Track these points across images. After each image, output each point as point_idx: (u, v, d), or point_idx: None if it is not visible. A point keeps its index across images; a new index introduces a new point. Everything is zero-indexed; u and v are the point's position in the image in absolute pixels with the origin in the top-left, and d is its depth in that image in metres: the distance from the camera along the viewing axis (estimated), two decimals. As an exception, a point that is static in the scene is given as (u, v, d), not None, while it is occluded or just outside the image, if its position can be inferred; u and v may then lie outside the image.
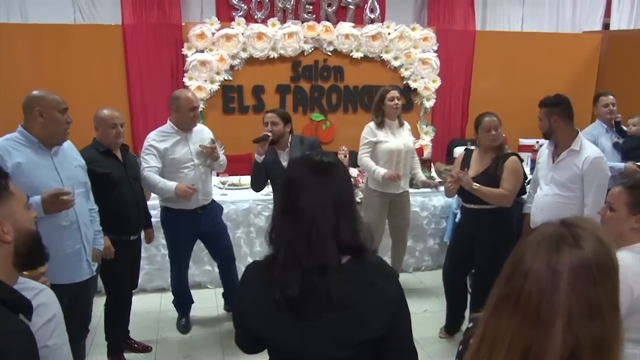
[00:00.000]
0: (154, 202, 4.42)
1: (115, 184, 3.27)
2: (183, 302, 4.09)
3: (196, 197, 3.66)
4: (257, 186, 3.82)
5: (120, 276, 3.41)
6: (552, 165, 3.40)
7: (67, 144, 2.94)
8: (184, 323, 4.04)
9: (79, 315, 2.84)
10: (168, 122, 3.72)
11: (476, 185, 3.47)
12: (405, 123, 4.46)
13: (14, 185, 1.37)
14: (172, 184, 3.51)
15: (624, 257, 1.81)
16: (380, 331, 1.41)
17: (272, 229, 1.48)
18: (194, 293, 4.55)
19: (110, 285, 3.45)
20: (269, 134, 3.64)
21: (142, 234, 3.70)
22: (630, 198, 2.03)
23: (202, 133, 3.82)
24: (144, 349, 3.76)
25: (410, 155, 4.37)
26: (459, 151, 5.56)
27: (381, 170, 4.16)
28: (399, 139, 4.30)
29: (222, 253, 4.07)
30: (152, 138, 3.66)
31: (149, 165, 3.58)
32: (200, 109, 5.68)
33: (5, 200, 1.31)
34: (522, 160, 3.65)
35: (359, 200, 4.45)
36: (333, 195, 1.43)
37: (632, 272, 1.86)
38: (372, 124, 4.33)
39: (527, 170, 5.47)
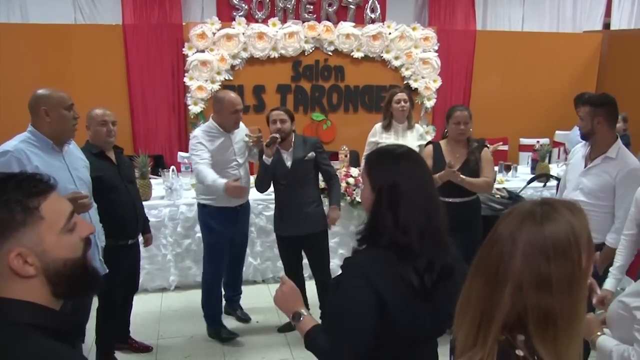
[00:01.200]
0: (153, 203, 4.44)
1: (110, 187, 3.18)
2: (216, 311, 4.00)
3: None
4: (262, 187, 3.80)
5: (115, 284, 3.23)
6: (583, 169, 3.18)
7: (73, 144, 2.92)
8: (226, 332, 3.96)
9: (80, 317, 2.81)
10: (212, 121, 3.70)
11: (466, 177, 3.57)
12: (417, 126, 4.46)
13: (55, 203, 1.12)
14: (221, 181, 3.46)
15: None
16: None
17: (383, 221, 1.52)
18: (195, 293, 4.55)
19: (104, 291, 3.22)
20: (277, 135, 3.62)
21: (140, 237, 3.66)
22: None
23: (243, 130, 3.82)
24: (145, 349, 3.75)
25: None
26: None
27: None
28: (402, 141, 4.30)
29: (242, 253, 4.15)
30: (201, 136, 3.63)
31: (202, 158, 3.55)
32: (201, 109, 5.75)
33: (32, 227, 1.06)
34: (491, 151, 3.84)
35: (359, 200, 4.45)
36: (430, 178, 1.62)
37: None
38: (378, 125, 4.39)
39: (527, 169, 5.49)
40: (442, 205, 1.59)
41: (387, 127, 4.32)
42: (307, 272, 4.06)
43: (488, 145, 3.80)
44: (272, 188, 3.85)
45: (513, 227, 1.08)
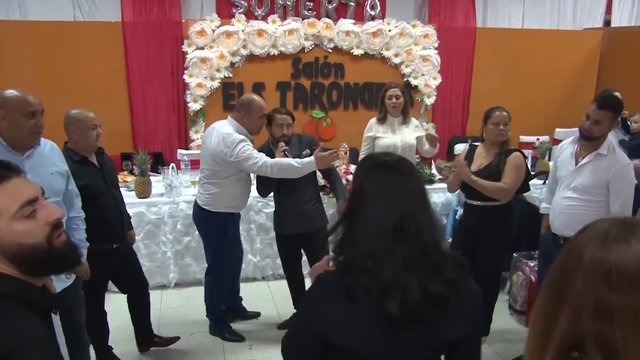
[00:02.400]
0: (153, 200, 4.44)
1: (96, 194, 3.08)
2: (221, 311, 3.98)
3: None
4: (266, 192, 3.77)
5: (97, 287, 3.18)
6: (574, 167, 3.20)
7: (50, 147, 2.75)
8: (233, 333, 3.94)
9: (68, 326, 2.75)
10: (237, 124, 3.58)
11: (474, 177, 3.42)
12: (413, 120, 4.45)
13: (10, 189, 1.20)
14: (309, 159, 3.47)
15: None
16: (465, 331, 1.40)
17: (352, 239, 1.40)
18: (194, 290, 4.57)
19: (90, 296, 3.10)
20: (286, 147, 3.61)
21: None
22: None
23: None
24: (171, 340, 3.73)
25: (407, 151, 4.31)
26: (459, 148, 5.54)
27: None
28: (398, 135, 4.30)
29: (240, 253, 4.11)
30: (242, 139, 3.49)
31: (258, 155, 3.47)
32: (200, 106, 5.74)
33: None
34: (525, 157, 3.62)
35: None
36: (419, 192, 1.42)
37: None
38: (373, 120, 4.39)
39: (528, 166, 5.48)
40: (436, 223, 1.42)
41: (382, 120, 4.31)
42: (305, 269, 4.06)
43: (522, 152, 3.60)
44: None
45: (582, 244, 0.97)
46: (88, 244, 2.92)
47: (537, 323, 1.01)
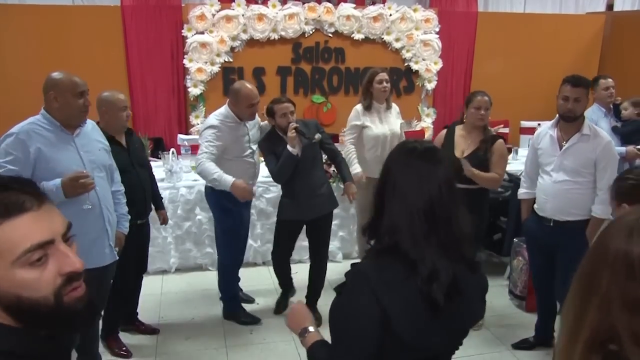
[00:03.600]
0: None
1: (120, 171, 3.20)
2: (235, 294, 4.03)
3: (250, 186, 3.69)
4: (283, 177, 3.69)
5: (127, 259, 3.33)
6: (559, 151, 3.25)
7: (92, 126, 2.92)
8: (249, 316, 3.98)
9: (96, 300, 2.81)
10: (228, 109, 3.63)
11: (475, 171, 3.49)
12: (394, 105, 4.45)
13: (19, 227, 0.92)
14: (228, 179, 3.41)
15: None
16: (483, 313, 1.52)
17: (390, 226, 1.41)
18: (195, 275, 4.60)
19: (117, 268, 3.35)
20: (297, 124, 3.59)
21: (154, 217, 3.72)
22: (615, 191, 2.14)
23: (255, 118, 3.83)
24: (151, 331, 3.78)
25: (396, 140, 4.29)
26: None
27: (356, 168, 4.21)
28: (385, 124, 4.30)
29: (245, 240, 4.12)
30: (219, 127, 3.55)
31: (212, 153, 3.49)
32: (200, 91, 5.72)
33: None
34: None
35: None
36: (449, 180, 1.44)
37: None
38: (359, 107, 4.32)
39: (525, 152, 5.46)
40: (462, 213, 1.45)
41: (367, 108, 4.28)
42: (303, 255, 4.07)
43: (504, 138, 3.69)
44: (263, 172, 3.86)
45: (609, 237, 0.97)
46: (129, 217, 3.15)
47: (568, 316, 1.01)
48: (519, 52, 6.74)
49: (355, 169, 4.19)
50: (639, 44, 6.43)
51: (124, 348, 3.54)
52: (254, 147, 3.79)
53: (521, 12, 7.20)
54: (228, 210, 3.73)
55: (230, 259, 3.88)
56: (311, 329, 1.58)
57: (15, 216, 0.92)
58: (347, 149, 4.27)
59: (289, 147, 3.55)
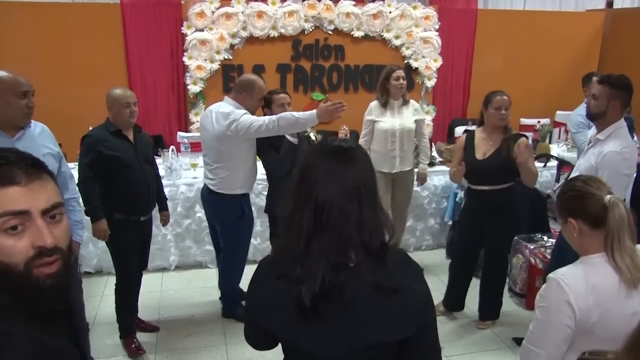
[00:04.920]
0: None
1: (124, 165, 3.23)
2: (236, 293, 3.99)
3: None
4: (284, 169, 3.66)
5: (129, 256, 3.37)
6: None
7: (41, 129, 2.82)
8: (241, 312, 3.92)
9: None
10: (236, 102, 3.58)
11: (530, 161, 3.42)
12: (412, 102, 4.46)
13: (5, 196, 1.02)
14: (311, 112, 3.32)
15: (572, 274, 1.74)
16: (404, 334, 1.32)
17: (286, 222, 1.36)
18: (195, 272, 4.60)
19: (120, 265, 3.43)
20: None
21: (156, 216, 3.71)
22: (557, 210, 1.91)
23: None
24: (152, 329, 3.78)
25: (406, 135, 4.33)
26: (459, 131, 5.55)
27: None
28: (397, 118, 4.30)
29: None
30: (244, 112, 3.49)
31: (259, 118, 3.41)
32: (200, 89, 5.72)
33: None
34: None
35: None
36: (356, 184, 1.32)
37: (575, 292, 1.70)
38: (374, 103, 4.37)
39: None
40: (373, 221, 1.33)
41: (384, 105, 4.31)
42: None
43: (526, 136, 3.61)
44: (263, 170, 3.85)
45: None
46: (84, 225, 3.06)
47: None
48: (518, 49, 6.74)
49: None
50: (639, 41, 6.43)
51: (139, 346, 3.53)
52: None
53: (521, 9, 7.21)
54: (244, 215, 3.73)
55: (241, 263, 3.87)
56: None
57: (2, 187, 1.01)
58: (359, 144, 4.30)
59: (288, 137, 3.58)
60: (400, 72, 4.25)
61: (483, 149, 3.57)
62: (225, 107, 3.54)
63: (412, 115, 4.38)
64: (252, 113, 3.59)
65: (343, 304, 1.28)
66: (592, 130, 3.26)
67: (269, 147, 3.68)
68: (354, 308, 1.29)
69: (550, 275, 1.77)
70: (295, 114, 3.35)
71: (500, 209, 3.58)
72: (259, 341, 1.52)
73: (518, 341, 3.64)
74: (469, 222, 3.77)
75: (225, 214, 3.72)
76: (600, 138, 3.00)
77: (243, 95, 3.58)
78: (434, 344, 1.42)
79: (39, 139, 2.78)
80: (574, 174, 3.18)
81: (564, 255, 3.22)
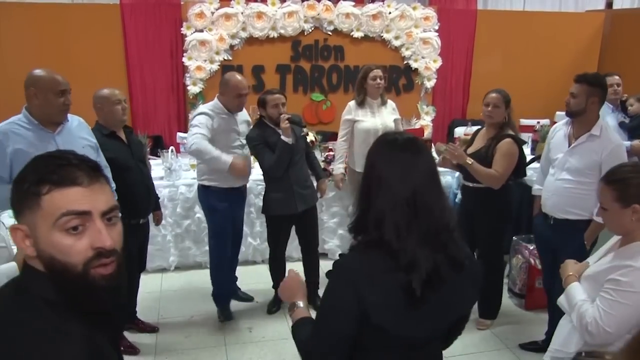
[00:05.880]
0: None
1: (123, 167, 3.22)
2: (222, 292, 4.01)
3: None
4: (281, 169, 3.68)
5: (129, 259, 3.35)
6: (567, 148, 3.21)
7: (78, 122, 2.91)
8: (225, 314, 3.99)
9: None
10: (217, 101, 3.66)
11: (470, 160, 3.48)
12: (389, 102, 4.45)
13: (65, 196, 1.04)
14: (227, 156, 3.46)
15: None
16: (475, 300, 1.54)
17: (370, 220, 1.41)
18: (194, 273, 4.60)
19: None
20: (289, 115, 3.64)
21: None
22: (615, 193, 1.95)
23: (244, 113, 3.87)
24: (151, 329, 3.77)
25: None
26: (459, 131, 5.56)
27: (340, 168, 4.35)
28: (378, 118, 4.29)
29: (240, 238, 4.14)
30: (206, 112, 3.58)
31: (204, 134, 3.46)
32: (200, 89, 5.72)
33: (30, 210, 1.05)
34: (524, 143, 3.63)
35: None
36: (432, 170, 1.45)
37: None
38: (352, 103, 4.35)
39: (528, 150, 5.47)
40: (445, 204, 1.46)
41: (361, 104, 4.29)
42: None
43: (525, 141, 3.68)
44: (259, 171, 3.87)
45: None
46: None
47: None
48: (518, 50, 6.74)
49: (339, 169, 4.29)
50: (638, 41, 6.43)
51: (129, 344, 3.53)
52: (243, 140, 3.76)
53: (520, 10, 7.21)
54: (214, 209, 3.76)
55: (217, 258, 3.89)
56: (300, 304, 1.61)
57: (65, 187, 1.04)
58: (338, 145, 4.34)
59: (283, 137, 3.58)
60: (378, 72, 4.23)
61: (477, 145, 3.66)
62: (203, 107, 3.69)
63: (391, 115, 4.39)
64: (232, 111, 3.66)
65: (440, 285, 1.38)
66: (563, 126, 3.35)
67: (263, 146, 3.68)
68: (450, 283, 1.40)
69: (632, 263, 1.86)
70: (214, 151, 3.45)
71: (483, 206, 3.62)
72: (341, 351, 1.44)
73: (525, 347, 3.62)
74: (464, 221, 3.76)
75: (202, 204, 3.93)
76: (595, 134, 3.09)
77: (220, 92, 3.66)
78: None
79: (77, 132, 2.88)
80: (558, 170, 3.23)
81: (556, 255, 3.23)
